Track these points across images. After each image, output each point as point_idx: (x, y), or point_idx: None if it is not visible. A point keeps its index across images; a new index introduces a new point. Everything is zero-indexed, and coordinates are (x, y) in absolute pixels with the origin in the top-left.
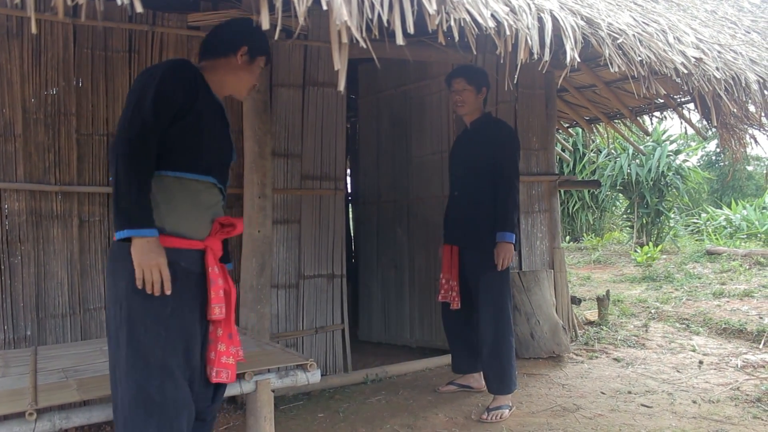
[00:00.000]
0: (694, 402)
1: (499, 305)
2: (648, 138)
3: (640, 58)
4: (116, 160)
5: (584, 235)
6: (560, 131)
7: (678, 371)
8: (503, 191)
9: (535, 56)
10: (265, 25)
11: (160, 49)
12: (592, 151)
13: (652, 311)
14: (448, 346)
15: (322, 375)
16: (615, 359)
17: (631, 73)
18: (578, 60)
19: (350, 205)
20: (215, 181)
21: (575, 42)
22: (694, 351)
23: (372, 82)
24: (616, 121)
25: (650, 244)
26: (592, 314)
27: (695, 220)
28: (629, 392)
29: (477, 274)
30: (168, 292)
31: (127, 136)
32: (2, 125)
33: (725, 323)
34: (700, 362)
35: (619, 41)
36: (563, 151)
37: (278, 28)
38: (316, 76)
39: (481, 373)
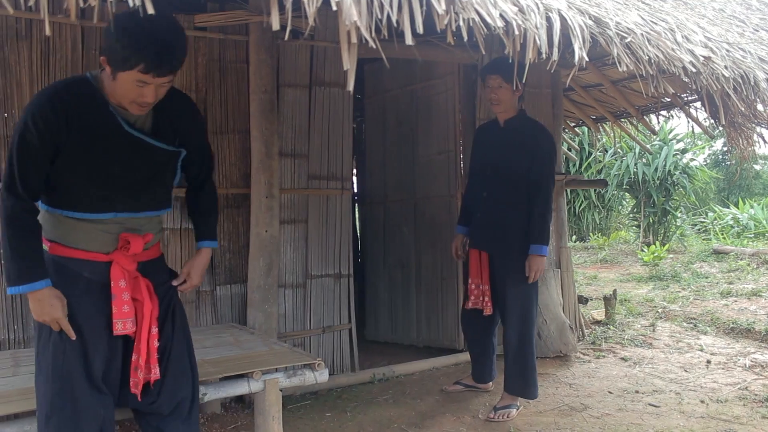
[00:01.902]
0: (702, 402)
1: (527, 309)
2: (655, 137)
3: (648, 57)
4: None
5: (591, 234)
6: (566, 130)
7: (686, 371)
8: (542, 203)
9: (544, 56)
10: (275, 25)
11: None
12: (598, 150)
13: (660, 311)
14: (470, 354)
15: (329, 374)
16: (622, 359)
17: (639, 72)
18: (587, 59)
19: (356, 205)
20: (118, 216)
21: (584, 41)
22: (701, 350)
23: (378, 82)
24: (623, 120)
25: (657, 243)
26: (599, 314)
27: (702, 220)
28: (637, 392)
29: (505, 281)
30: (72, 337)
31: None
32: (12, 127)
33: (733, 323)
34: (708, 362)
35: (627, 40)
36: (569, 150)
37: (288, 29)
38: (323, 76)
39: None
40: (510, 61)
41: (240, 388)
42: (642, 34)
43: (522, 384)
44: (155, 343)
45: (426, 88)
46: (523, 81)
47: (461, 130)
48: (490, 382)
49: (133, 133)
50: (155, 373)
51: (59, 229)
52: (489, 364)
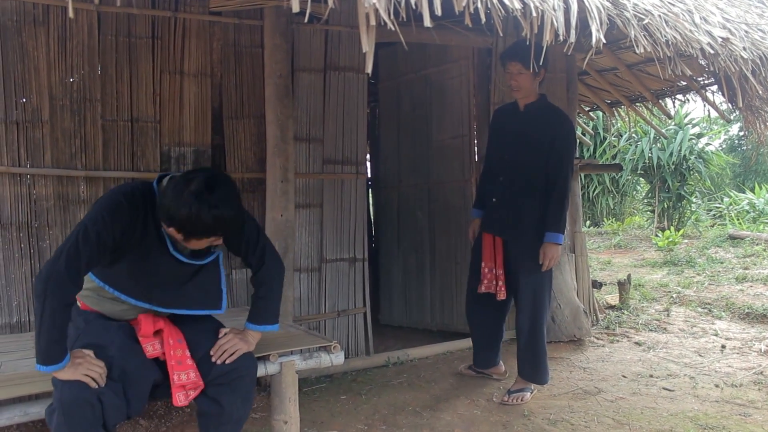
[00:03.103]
0: (717, 386)
1: (540, 297)
2: (670, 121)
3: (665, 39)
4: (34, 296)
5: (604, 219)
6: (581, 115)
7: (700, 355)
8: (560, 191)
9: (561, 38)
10: (296, 8)
11: (183, 34)
12: (612, 135)
13: (674, 296)
14: (473, 339)
15: (344, 358)
16: (636, 343)
17: (656, 55)
18: (604, 41)
19: (371, 189)
20: (149, 306)
21: (601, 23)
22: (716, 335)
23: (392, 67)
24: (638, 104)
25: (671, 228)
26: (613, 298)
27: (717, 205)
28: (651, 376)
29: (519, 268)
30: (103, 382)
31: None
32: (30, 112)
33: (748, 308)
34: (723, 346)
35: (644, 22)
36: (584, 134)
37: (308, 12)
38: (337, 60)
39: (500, 362)
40: (528, 44)
41: (257, 370)
42: (659, 16)
43: (532, 370)
44: (185, 353)
45: (440, 73)
46: (541, 64)
47: (475, 114)
48: (501, 365)
49: (175, 255)
50: (198, 377)
51: (92, 295)
52: (495, 351)
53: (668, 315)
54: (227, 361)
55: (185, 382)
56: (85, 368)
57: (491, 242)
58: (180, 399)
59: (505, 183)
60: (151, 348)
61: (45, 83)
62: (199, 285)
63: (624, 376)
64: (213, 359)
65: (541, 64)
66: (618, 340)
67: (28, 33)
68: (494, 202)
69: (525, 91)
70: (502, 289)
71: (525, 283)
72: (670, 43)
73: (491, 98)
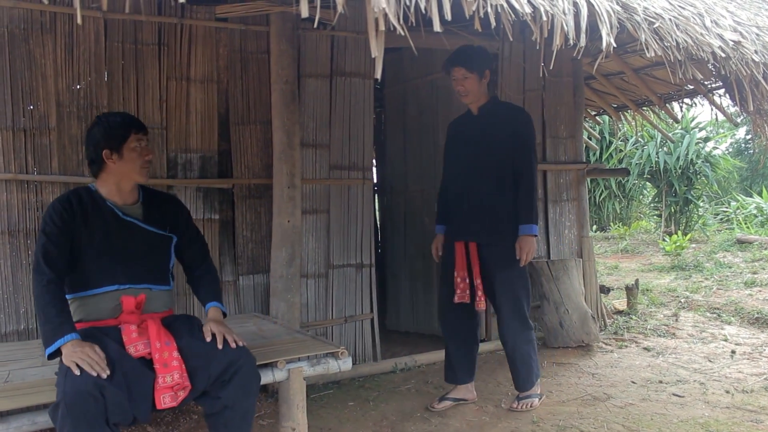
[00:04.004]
0: (727, 392)
1: (519, 302)
2: (676, 125)
3: (676, 43)
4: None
5: (611, 224)
6: (587, 119)
7: (710, 361)
8: (527, 181)
9: (571, 42)
10: (305, 13)
11: (189, 41)
12: (619, 139)
13: (682, 300)
14: (448, 352)
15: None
16: (645, 348)
17: (667, 58)
18: (614, 45)
19: (377, 194)
20: (120, 287)
21: (611, 27)
22: (725, 341)
23: (398, 72)
24: (645, 108)
25: (679, 232)
26: (621, 303)
27: (725, 209)
28: (660, 382)
29: (495, 271)
30: (104, 374)
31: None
32: (37, 119)
33: (758, 313)
34: (733, 352)
35: (655, 26)
36: (590, 139)
37: (317, 18)
38: (344, 66)
39: (473, 383)
40: (469, 48)
41: (264, 377)
42: (670, 19)
43: (527, 376)
44: (172, 356)
45: (446, 78)
46: (551, 68)
47: None
48: (471, 383)
49: (126, 219)
50: (183, 378)
51: (79, 309)
52: (472, 364)
53: (677, 320)
54: (240, 344)
55: (171, 384)
56: (88, 352)
57: (463, 250)
58: (165, 401)
59: (474, 189)
60: (133, 349)
61: (52, 90)
62: (156, 260)
63: (633, 382)
64: (231, 345)
65: (551, 67)
66: (626, 346)
67: (35, 40)
68: (465, 209)
69: (474, 95)
70: (482, 299)
71: (501, 283)
72: (680, 46)
73: None
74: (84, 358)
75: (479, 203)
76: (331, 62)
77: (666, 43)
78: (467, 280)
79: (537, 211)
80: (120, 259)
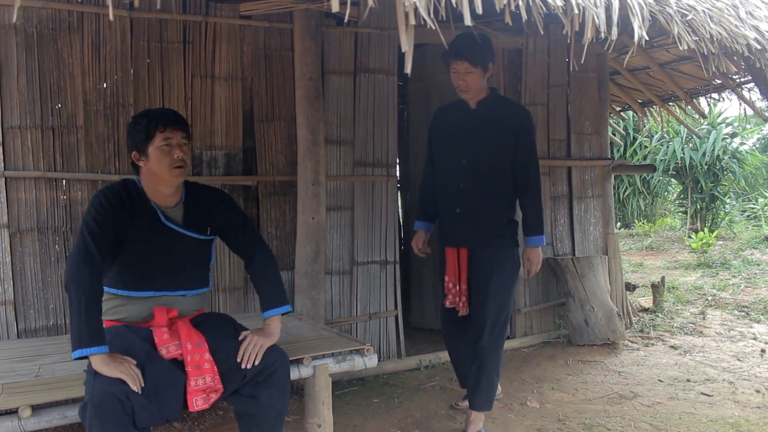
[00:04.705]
0: (758, 391)
1: (503, 314)
2: (702, 121)
3: (710, 35)
4: (66, 287)
5: (635, 221)
6: (612, 115)
7: (739, 360)
8: (535, 190)
9: (602, 35)
10: (335, 7)
11: (214, 38)
12: (644, 135)
13: (709, 298)
14: (451, 360)
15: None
16: (672, 347)
17: (700, 52)
18: (646, 38)
19: (400, 191)
20: (156, 294)
21: (643, 20)
22: (755, 339)
23: (422, 68)
24: (671, 103)
25: (705, 230)
26: (647, 301)
27: (752, 206)
28: (688, 380)
29: (488, 277)
30: (138, 387)
31: (74, 263)
32: (65, 117)
33: None
34: (763, 351)
35: (688, 18)
36: (614, 135)
37: (347, 14)
38: (367, 62)
39: None
40: (474, 39)
41: (290, 374)
42: (703, 11)
43: (487, 397)
44: (203, 357)
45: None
46: (582, 62)
47: None
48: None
49: (167, 224)
50: (215, 381)
51: (111, 309)
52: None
53: (704, 318)
54: (256, 362)
55: (203, 386)
56: (127, 367)
57: (455, 256)
58: (197, 403)
59: (467, 190)
60: (165, 351)
61: (79, 89)
62: (195, 265)
63: (660, 381)
64: (242, 366)
65: (580, 62)
66: (653, 344)
67: (63, 40)
68: (458, 212)
69: (475, 91)
70: (466, 304)
71: (494, 295)
72: (714, 39)
73: (522, 99)
74: (118, 373)
75: (474, 208)
76: (355, 59)
77: (699, 36)
78: (458, 287)
79: (544, 221)
80: (158, 266)
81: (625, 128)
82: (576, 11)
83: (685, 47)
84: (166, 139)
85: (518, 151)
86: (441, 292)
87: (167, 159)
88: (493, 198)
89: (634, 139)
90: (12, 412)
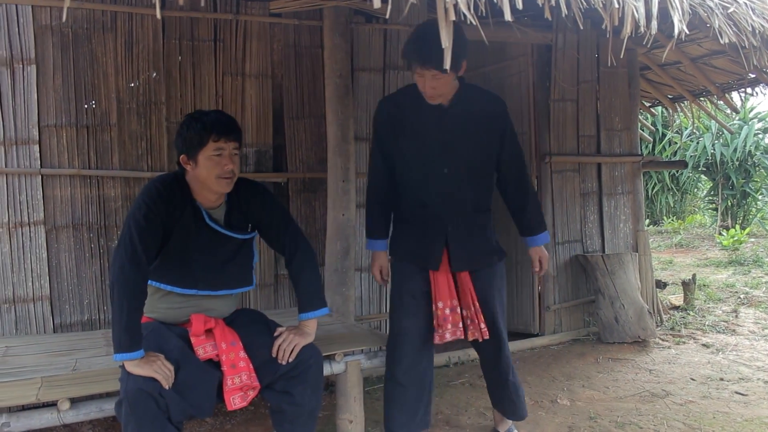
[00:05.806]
0: None
1: (504, 327)
2: (734, 116)
3: (751, 28)
4: (111, 285)
5: (664, 218)
6: (641, 111)
7: None
8: (531, 187)
9: (642, 29)
10: (377, 4)
11: (244, 36)
12: (674, 131)
13: (741, 296)
14: (406, 405)
15: None
16: (704, 345)
17: (741, 44)
18: (686, 32)
19: None
20: (199, 293)
21: (683, 13)
22: None
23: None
24: (702, 98)
25: (736, 227)
26: (677, 299)
27: None
28: (721, 379)
29: (490, 297)
30: (168, 384)
31: (119, 263)
32: (99, 115)
33: None
34: None
35: (730, 10)
36: (643, 130)
37: (389, 8)
38: (396, 59)
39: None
40: (438, 39)
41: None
42: (745, 3)
43: (520, 404)
44: (239, 356)
45: (498, 70)
46: (621, 56)
47: (535, 112)
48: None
49: (210, 224)
50: (252, 378)
51: (152, 306)
52: (428, 405)
53: (736, 316)
54: (290, 359)
55: (240, 385)
56: (159, 366)
57: (448, 279)
58: (235, 402)
59: (454, 203)
60: (202, 351)
61: (113, 87)
62: (238, 264)
63: (692, 379)
64: (278, 360)
65: (610, 57)
66: (684, 342)
67: (97, 40)
68: (449, 231)
69: (446, 96)
70: (485, 330)
71: (500, 315)
72: (756, 31)
73: (551, 95)
74: (151, 373)
75: (466, 225)
76: (384, 56)
77: (740, 29)
78: (459, 310)
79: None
80: (201, 265)
81: (654, 124)
82: (616, 5)
83: (726, 41)
84: (218, 149)
85: (505, 146)
86: (404, 323)
87: (217, 169)
88: (481, 209)
89: (663, 135)
90: (51, 405)
